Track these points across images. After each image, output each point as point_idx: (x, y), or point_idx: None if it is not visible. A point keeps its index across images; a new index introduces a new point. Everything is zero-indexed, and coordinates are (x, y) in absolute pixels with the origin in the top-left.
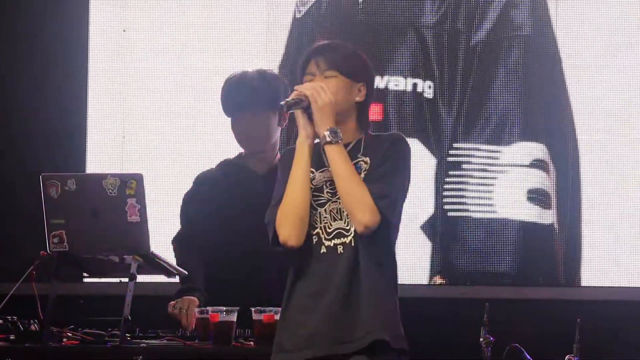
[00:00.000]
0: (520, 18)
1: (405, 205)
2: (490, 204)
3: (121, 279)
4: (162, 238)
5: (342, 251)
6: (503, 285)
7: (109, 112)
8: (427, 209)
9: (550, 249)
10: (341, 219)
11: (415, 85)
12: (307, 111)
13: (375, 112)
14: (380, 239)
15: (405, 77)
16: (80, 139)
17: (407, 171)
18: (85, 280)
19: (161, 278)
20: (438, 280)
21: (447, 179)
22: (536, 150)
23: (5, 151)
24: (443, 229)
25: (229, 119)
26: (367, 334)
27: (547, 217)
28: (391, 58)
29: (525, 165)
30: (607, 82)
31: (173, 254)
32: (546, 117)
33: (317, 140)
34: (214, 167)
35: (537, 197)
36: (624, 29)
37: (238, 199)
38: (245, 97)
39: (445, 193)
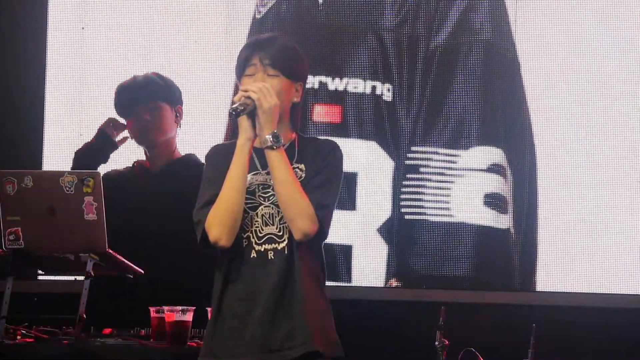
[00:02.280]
0: (480, 22)
1: (362, 207)
2: (447, 207)
3: (76, 277)
4: None
5: (272, 257)
6: (459, 289)
7: (66, 109)
8: (384, 212)
9: (506, 253)
10: (273, 225)
11: (374, 87)
12: (251, 114)
13: (333, 114)
14: (313, 247)
15: (364, 80)
16: (37, 136)
17: (340, 181)
18: (40, 277)
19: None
20: (394, 283)
21: (405, 182)
22: (494, 154)
23: None
24: (400, 231)
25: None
26: (302, 343)
27: (504, 221)
28: (350, 60)
29: (483, 170)
30: (565, 87)
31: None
32: (504, 122)
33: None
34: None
35: (493, 201)
36: (583, 34)
37: (132, 199)
38: (139, 91)
39: (403, 196)
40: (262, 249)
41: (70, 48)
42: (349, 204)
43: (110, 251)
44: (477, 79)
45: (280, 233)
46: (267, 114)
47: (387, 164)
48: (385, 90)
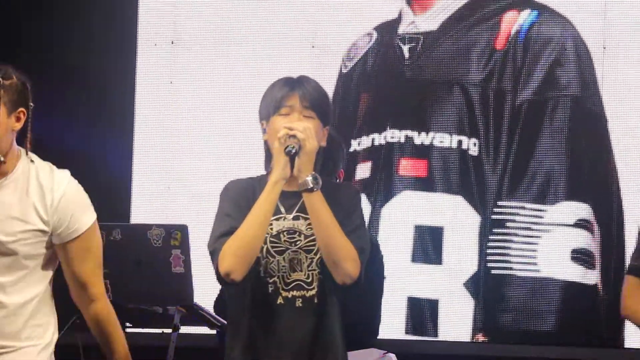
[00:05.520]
0: (567, 78)
1: (448, 261)
2: (534, 262)
3: (164, 329)
4: (205, 289)
5: (300, 305)
6: (545, 345)
7: (154, 163)
8: (470, 266)
9: (593, 309)
10: (301, 271)
11: (460, 142)
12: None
13: (419, 169)
14: (343, 294)
15: (451, 134)
16: (126, 189)
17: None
18: (128, 330)
19: (204, 330)
20: (480, 337)
21: (491, 237)
22: (581, 210)
23: None
24: (486, 286)
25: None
26: None
27: (591, 277)
28: (437, 115)
29: (570, 225)
30: None
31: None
32: (591, 177)
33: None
34: None
35: (581, 257)
36: None
37: None
38: None
39: (489, 251)
40: (290, 296)
41: (158, 101)
42: (436, 258)
43: (198, 304)
44: (563, 133)
45: (309, 280)
46: (309, 156)
47: (473, 219)
48: (471, 145)
